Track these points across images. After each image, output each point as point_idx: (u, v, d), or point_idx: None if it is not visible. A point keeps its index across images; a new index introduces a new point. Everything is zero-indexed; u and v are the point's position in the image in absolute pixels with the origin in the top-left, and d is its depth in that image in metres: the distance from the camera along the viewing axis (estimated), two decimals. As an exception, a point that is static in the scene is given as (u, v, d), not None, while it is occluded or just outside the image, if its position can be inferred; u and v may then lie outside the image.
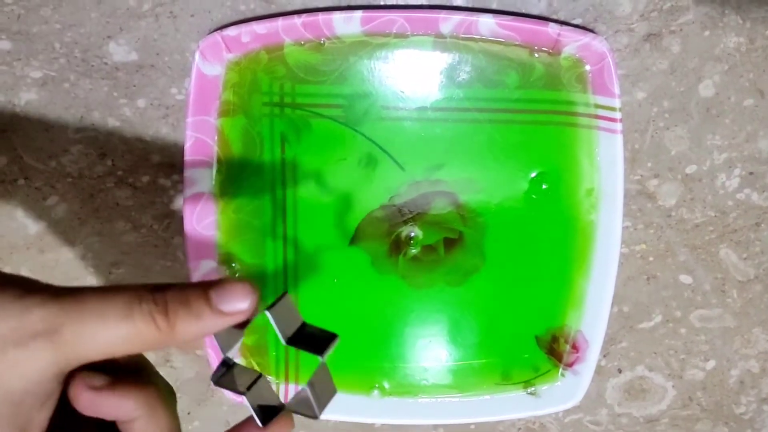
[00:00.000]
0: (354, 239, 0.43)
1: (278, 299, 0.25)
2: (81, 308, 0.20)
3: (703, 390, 0.47)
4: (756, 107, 0.41)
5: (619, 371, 0.47)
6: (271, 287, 0.43)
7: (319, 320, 0.43)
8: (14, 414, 0.20)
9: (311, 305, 0.43)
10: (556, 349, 0.44)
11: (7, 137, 0.42)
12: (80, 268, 0.45)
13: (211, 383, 0.26)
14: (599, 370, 0.47)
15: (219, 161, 0.41)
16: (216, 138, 0.40)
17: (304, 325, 0.27)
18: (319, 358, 0.25)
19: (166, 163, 0.43)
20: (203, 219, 0.41)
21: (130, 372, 0.23)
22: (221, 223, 0.42)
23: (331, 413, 0.44)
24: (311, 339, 0.26)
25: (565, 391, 0.44)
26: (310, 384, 0.26)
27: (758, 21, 0.40)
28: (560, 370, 0.44)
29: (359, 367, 0.44)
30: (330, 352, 0.25)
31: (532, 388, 0.44)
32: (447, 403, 0.45)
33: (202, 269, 0.42)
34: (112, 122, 0.42)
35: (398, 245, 0.43)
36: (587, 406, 0.48)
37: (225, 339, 0.25)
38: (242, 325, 0.24)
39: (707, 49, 0.40)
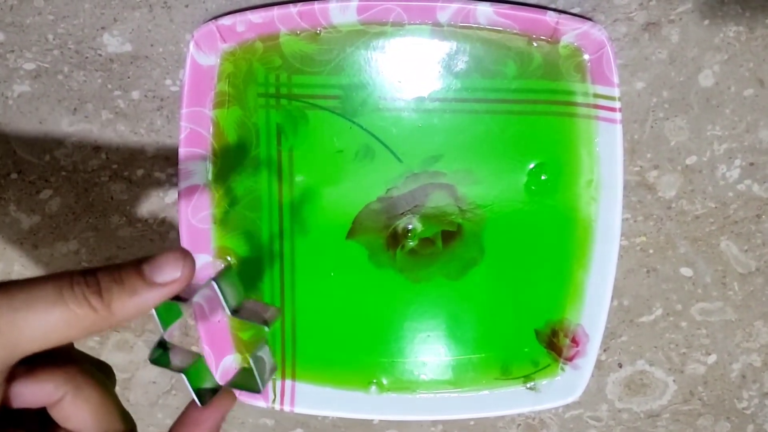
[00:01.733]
0: (351, 232, 0.42)
1: (223, 270, 0.26)
2: (10, 300, 0.19)
3: (705, 384, 0.46)
4: (756, 97, 0.41)
5: (620, 366, 0.46)
6: (268, 281, 0.43)
7: (315, 315, 0.43)
8: None
9: (308, 299, 0.43)
10: (555, 343, 0.43)
11: (0, 130, 0.42)
12: (75, 264, 0.44)
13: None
14: (599, 365, 0.46)
15: (214, 153, 0.40)
16: (211, 129, 0.40)
17: (247, 299, 0.27)
18: (265, 329, 0.26)
19: (161, 156, 0.42)
20: (198, 212, 0.41)
21: (48, 357, 0.22)
22: (217, 216, 0.42)
23: (328, 409, 0.44)
24: (255, 311, 0.26)
25: (565, 386, 0.43)
26: (253, 358, 0.26)
27: (758, 10, 0.39)
28: (560, 364, 0.43)
29: (356, 362, 0.44)
30: (273, 323, 0.26)
31: (532, 383, 0.44)
32: (446, 398, 0.44)
33: (197, 263, 0.41)
34: (106, 115, 0.41)
35: (396, 238, 0.42)
36: (587, 401, 0.47)
37: (164, 316, 0.25)
38: (180, 299, 0.24)
39: (707, 39, 0.40)
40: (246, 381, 0.27)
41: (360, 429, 0.47)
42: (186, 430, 0.25)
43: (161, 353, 0.26)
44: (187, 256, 0.22)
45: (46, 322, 0.20)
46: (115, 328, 0.45)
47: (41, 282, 0.20)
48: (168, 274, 0.22)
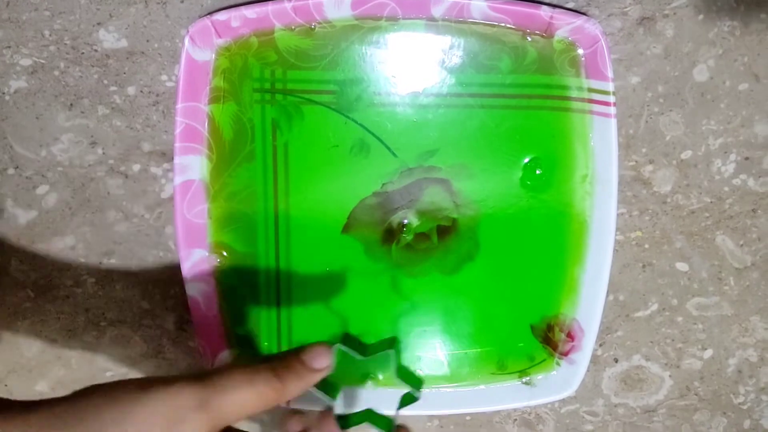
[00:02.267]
0: (346, 227, 0.42)
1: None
2: (219, 383, 0.27)
3: (701, 379, 0.46)
4: (751, 91, 0.41)
5: (616, 361, 0.46)
6: (263, 276, 0.43)
7: (311, 310, 0.43)
8: None
9: (303, 295, 0.43)
10: (551, 338, 0.43)
11: (-3, 126, 0.42)
12: (71, 259, 0.44)
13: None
14: (595, 360, 0.46)
15: (209, 148, 0.41)
16: (206, 125, 0.40)
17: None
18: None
19: (157, 151, 0.42)
20: (194, 207, 0.41)
21: None
22: (212, 211, 0.42)
23: (324, 404, 0.44)
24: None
25: (560, 381, 0.43)
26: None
27: (752, 4, 0.39)
28: (555, 359, 0.43)
29: (352, 357, 0.44)
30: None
31: (528, 378, 0.44)
32: (441, 393, 0.44)
33: (193, 258, 0.42)
34: (102, 110, 0.42)
35: (391, 233, 0.42)
36: (583, 396, 0.47)
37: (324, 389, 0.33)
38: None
39: (701, 33, 0.40)
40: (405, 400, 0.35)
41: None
42: None
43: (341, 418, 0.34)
44: (330, 348, 0.31)
45: (245, 401, 0.27)
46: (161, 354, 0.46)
47: (240, 371, 0.28)
48: (322, 363, 0.30)
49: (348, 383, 0.44)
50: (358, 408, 0.37)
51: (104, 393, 0.26)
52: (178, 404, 0.26)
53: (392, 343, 0.36)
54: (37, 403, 0.27)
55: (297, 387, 0.29)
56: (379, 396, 0.44)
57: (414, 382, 0.36)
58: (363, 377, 0.44)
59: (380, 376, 0.44)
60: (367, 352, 0.35)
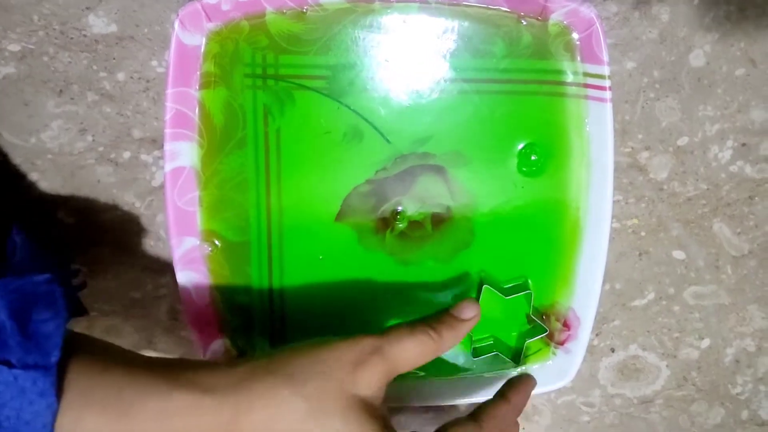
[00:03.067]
0: (339, 215, 0.42)
1: None
2: (388, 334, 0.33)
3: (698, 369, 0.46)
4: (748, 76, 0.40)
5: (612, 351, 0.46)
6: (255, 265, 0.42)
7: (304, 299, 0.42)
8: (373, 413, 0.30)
9: (296, 283, 0.42)
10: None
11: (-15, 113, 0.41)
12: (61, 248, 0.44)
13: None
14: (591, 350, 0.46)
15: (201, 135, 0.40)
16: (197, 111, 0.40)
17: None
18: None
19: (147, 138, 0.42)
20: (185, 194, 0.40)
21: None
22: (203, 199, 0.41)
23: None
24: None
25: (556, 370, 0.43)
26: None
27: (749, -12, 0.39)
28: (551, 348, 0.43)
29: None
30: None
31: (523, 367, 0.43)
32: (435, 383, 0.44)
33: (184, 246, 0.41)
34: (92, 96, 0.41)
35: (385, 221, 0.42)
36: (580, 386, 0.47)
37: None
38: None
39: (697, 18, 0.39)
40: (535, 331, 0.42)
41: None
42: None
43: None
44: (476, 302, 0.37)
45: (409, 349, 0.33)
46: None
47: (401, 326, 0.34)
48: (470, 313, 0.36)
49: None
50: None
51: (299, 347, 0.32)
52: (359, 349, 0.31)
53: (526, 286, 0.41)
54: (237, 361, 0.33)
55: (450, 337, 0.34)
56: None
57: (542, 320, 0.42)
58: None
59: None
60: (508, 293, 0.41)
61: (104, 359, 0.30)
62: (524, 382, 0.39)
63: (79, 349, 0.30)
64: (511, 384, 0.38)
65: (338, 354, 0.31)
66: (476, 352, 0.42)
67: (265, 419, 0.29)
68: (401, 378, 0.37)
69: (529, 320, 0.42)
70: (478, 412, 0.35)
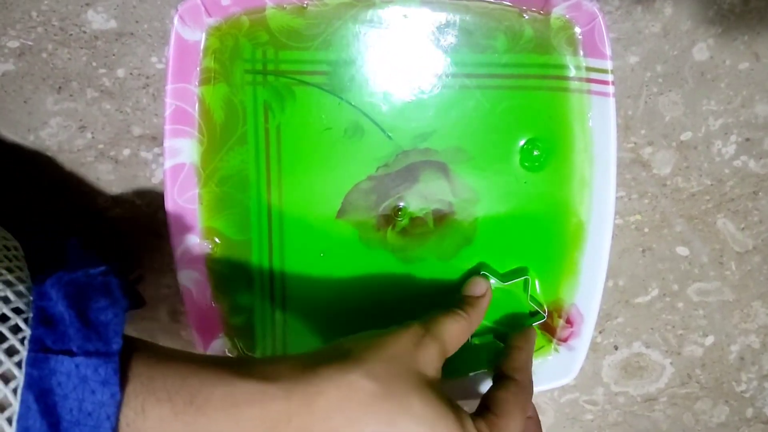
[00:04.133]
0: (341, 212, 0.41)
1: None
2: (430, 319, 0.35)
3: (702, 367, 0.46)
4: (752, 71, 0.40)
5: (616, 348, 0.45)
6: (256, 262, 0.42)
7: (306, 297, 0.42)
8: (438, 391, 0.32)
9: (298, 281, 0.42)
10: (549, 324, 0.43)
11: (-16, 110, 0.41)
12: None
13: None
14: (595, 347, 0.45)
15: (200, 131, 0.40)
16: (197, 107, 0.39)
17: None
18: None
19: (147, 135, 0.42)
20: (185, 192, 0.40)
21: None
22: (204, 196, 0.41)
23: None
24: None
25: (559, 367, 0.42)
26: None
27: (752, -19, 0.39)
28: (554, 345, 0.43)
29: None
30: None
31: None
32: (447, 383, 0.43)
33: (185, 245, 0.41)
34: (91, 93, 0.41)
35: (386, 218, 0.41)
36: (583, 384, 0.46)
37: None
38: None
39: (700, 11, 0.39)
40: (534, 318, 0.42)
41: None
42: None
43: None
44: (482, 278, 0.40)
45: (451, 328, 0.35)
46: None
47: (440, 316, 0.36)
48: (480, 289, 0.39)
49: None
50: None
51: (357, 337, 0.33)
52: (414, 332, 0.33)
53: (525, 271, 0.42)
54: (296, 354, 0.33)
55: (475, 313, 0.37)
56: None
57: (540, 306, 0.42)
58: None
59: None
60: (505, 279, 0.41)
61: (165, 352, 0.30)
62: (522, 355, 0.39)
63: (138, 345, 0.29)
64: (511, 364, 0.38)
65: (398, 338, 0.33)
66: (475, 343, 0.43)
67: (338, 402, 0.29)
68: None
69: (530, 305, 0.43)
70: (503, 368, 0.37)
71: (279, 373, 0.29)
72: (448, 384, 0.42)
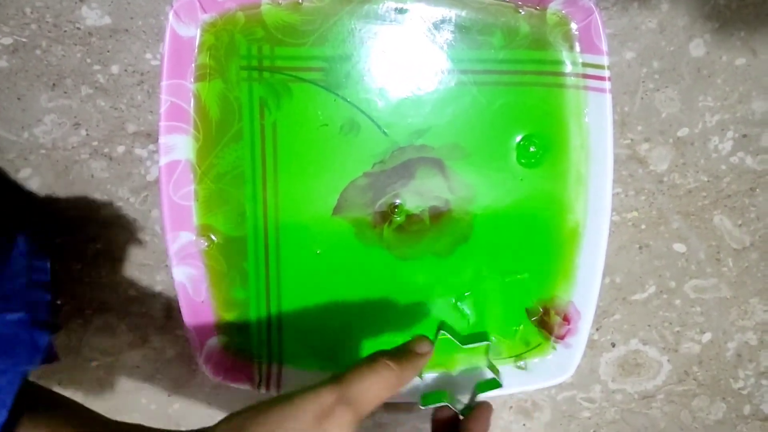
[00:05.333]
0: (337, 209, 0.41)
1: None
2: (349, 377, 0.31)
3: (699, 364, 0.46)
4: (748, 66, 0.40)
5: (613, 345, 0.45)
6: (252, 260, 0.42)
7: (301, 294, 0.42)
8: None
9: (293, 278, 0.42)
10: (546, 322, 0.42)
11: (-22, 107, 0.41)
12: (55, 245, 0.43)
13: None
14: (592, 345, 0.45)
15: (196, 128, 0.40)
16: (192, 103, 0.39)
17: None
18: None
19: (142, 132, 0.41)
20: (180, 188, 0.40)
21: None
22: (199, 193, 0.41)
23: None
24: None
25: (556, 365, 0.42)
26: (489, 363, 0.42)
27: (749, -23, 0.39)
28: (551, 342, 0.43)
29: (343, 342, 0.43)
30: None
31: (523, 362, 0.43)
32: (435, 378, 0.43)
33: (180, 241, 0.40)
34: (86, 90, 0.41)
35: (383, 215, 0.41)
36: (580, 382, 0.46)
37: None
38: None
39: (697, 7, 0.39)
40: (489, 385, 0.41)
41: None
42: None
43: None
44: (429, 339, 0.36)
45: (372, 387, 0.32)
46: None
47: (360, 365, 0.32)
48: (425, 347, 0.36)
49: (335, 368, 0.43)
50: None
51: (258, 408, 0.31)
52: (321, 401, 0.30)
53: (485, 336, 0.42)
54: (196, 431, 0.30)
55: (410, 370, 0.34)
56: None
57: (496, 371, 0.42)
58: (353, 362, 0.43)
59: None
60: (465, 341, 0.41)
61: (59, 420, 0.29)
62: (483, 412, 0.39)
63: (37, 405, 0.29)
64: (471, 416, 0.38)
65: (299, 412, 0.30)
66: (425, 399, 0.40)
67: None
68: None
69: (489, 365, 0.42)
70: None
71: None
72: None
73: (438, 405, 0.39)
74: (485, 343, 0.41)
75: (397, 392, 0.33)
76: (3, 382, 0.27)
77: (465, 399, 0.41)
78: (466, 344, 0.41)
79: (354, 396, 0.31)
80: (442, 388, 0.41)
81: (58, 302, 0.42)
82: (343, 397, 0.31)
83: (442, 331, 0.40)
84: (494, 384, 0.41)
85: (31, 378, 0.28)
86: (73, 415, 0.30)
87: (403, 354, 0.34)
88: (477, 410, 0.39)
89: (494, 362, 0.43)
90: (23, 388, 0.28)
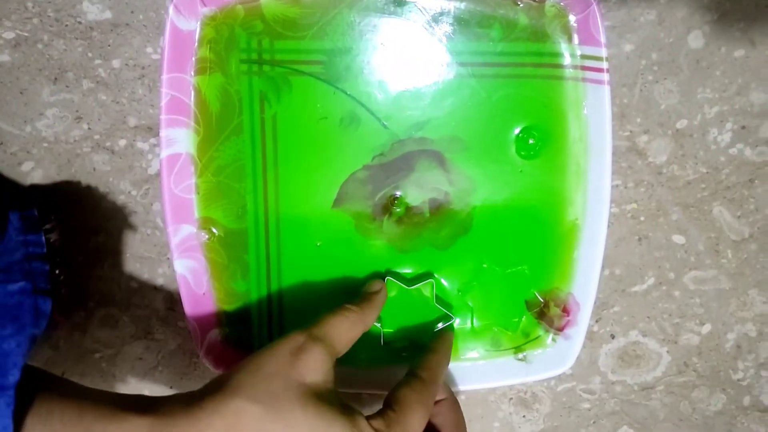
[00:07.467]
0: (337, 201, 0.41)
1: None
2: (315, 323, 0.34)
3: (699, 355, 0.46)
4: (747, 58, 0.40)
5: (612, 337, 0.45)
6: (253, 252, 0.42)
7: (302, 287, 0.42)
8: (328, 397, 0.31)
9: (294, 271, 0.42)
10: (546, 313, 0.43)
11: (-20, 101, 0.41)
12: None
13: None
14: (591, 336, 0.45)
15: (196, 121, 0.40)
16: (193, 96, 0.39)
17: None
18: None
19: (143, 126, 0.42)
20: (181, 181, 0.40)
21: None
22: (200, 186, 0.41)
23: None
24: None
25: (556, 356, 0.43)
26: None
27: (747, -32, 0.39)
28: (551, 334, 0.43)
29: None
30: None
31: (523, 354, 0.43)
32: (384, 371, 0.43)
33: (181, 234, 0.41)
34: (87, 84, 0.41)
35: (383, 207, 0.42)
36: (580, 374, 0.46)
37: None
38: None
39: (696, -1, 0.39)
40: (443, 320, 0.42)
41: (361, 405, 0.47)
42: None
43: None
44: (380, 279, 0.41)
45: (338, 326, 0.35)
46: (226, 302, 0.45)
47: (332, 316, 0.35)
48: (375, 287, 0.39)
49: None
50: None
51: (242, 361, 0.32)
52: (291, 341, 0.32)
53: (429, 276, 0.42)
54: (177, 395, 0.32)
55: (369, 309, 0.37)
56: (371, 375, 0.43)
57: (448, 307, 0.43)
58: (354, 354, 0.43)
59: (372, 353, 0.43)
60: (411, 283, 0.42)
61: (65, 389, 0.30)
62: (444, 332, 0.41)
63: (44, 377, 0.30)
64: (433, 336, 0.41)
65: (274, 353, 0.32)
66: (386, 343, 0.43)
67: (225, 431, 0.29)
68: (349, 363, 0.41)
69: (439, 301, 0.43)
70: (412, 366, 0.37)
71: (171, 410, 0.30)
72: (366, 373, 0.43)
73: (402, 347, 0.42)
74: (429, 281, 0.42)
75: (361, 331, 0.36)
76: (12, 345, 0.28)
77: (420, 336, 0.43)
78: (411, 286, 0.42)
79: (321, 333, 0.33)
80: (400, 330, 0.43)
81: (57, 272, 0.42)
82: (312, 335, 0.33)
83: (388, 278, 0.41)
84: (447, 318, 0.42)
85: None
86: (80, 389, 0.31)
87: (362, 297, 0.38)
88: (440, 332, 0.41)
89: (494, 352, 0.43)
90: (32, 369, 0.29)
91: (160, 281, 0.45)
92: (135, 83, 0.41)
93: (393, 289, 0.41)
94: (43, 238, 0.36)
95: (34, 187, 0.42)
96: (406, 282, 0.42)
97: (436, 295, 0.42)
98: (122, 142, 0.42)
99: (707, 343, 0.45)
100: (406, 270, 0.42)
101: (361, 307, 0.37)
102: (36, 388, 0.29)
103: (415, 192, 0.41)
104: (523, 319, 0.43)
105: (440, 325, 0.42)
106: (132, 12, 0.39)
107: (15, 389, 0.27)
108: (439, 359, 0.38)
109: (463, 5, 0.38)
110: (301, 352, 0.32)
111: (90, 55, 0.40)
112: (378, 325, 0.42)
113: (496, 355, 0.43)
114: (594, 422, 0.47)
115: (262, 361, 0.32)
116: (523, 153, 0.40)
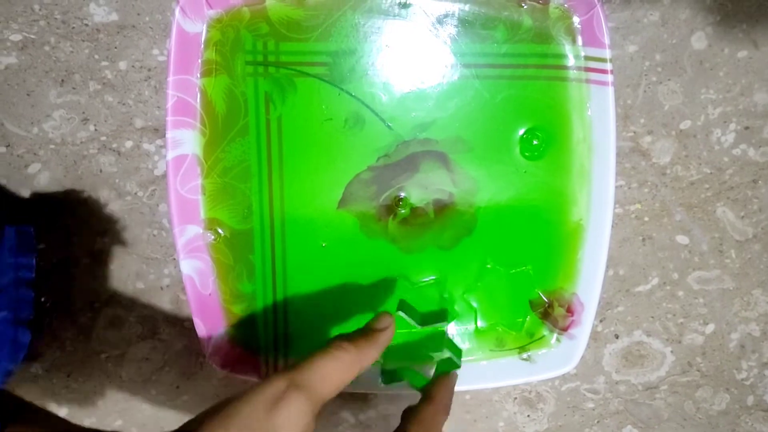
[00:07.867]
0: (342, 202, 0.42)
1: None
2: (301, 364, 0.30)
3: (703, 355, 0.46)
4: (750, 59, 0.40)
5: (616, 337, 0.46)
6: (258, 253, 0.42)
7: (307, 287, 0.42)
8: None
9: (299, 271, 0.42)
10: (550, 313, 0.43)
11: (-12, 103, 0.42)
12: (65, 239, 0.44)
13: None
14: (595, 336, 0.45)
15: (202, 123, 0.40)
16: (199, 98, 0.40)
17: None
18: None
19: (149, 127, 0.42)
20: (187, 182, 0.40)
21: None
22: (206, 187, 0.41)
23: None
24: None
25: (560, 356, 0.43)
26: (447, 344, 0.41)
27: (751, -31, 0.39)
28: (555, 334, 0.43)
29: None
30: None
31: (527, 354, 0.43)
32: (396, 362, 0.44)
33: (187, 235, 0.41)
34: (94, 86, 0.41)
35: (387, 208, 0.42)
36: (584, 373, 0.46)
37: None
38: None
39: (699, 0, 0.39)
40: (446, 366, 0.39)
41: (354, 402, 0.47)
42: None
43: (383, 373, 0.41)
44: (389, 314, 0.36)
45: (327, 371, 0.31)
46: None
47: (323, 353, 0.31)
48: (385, 323, 0.35)
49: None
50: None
51: (215, 407, 0.29)
52: (270, 389, 0.29)
53: (444, 316, 0.41)
54: None
55: (369, 349, 0.33)
56: (376, 375, 0.43)
57: (457, 352, 0.41)
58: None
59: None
60: (423, 321, 0.40)
61: (37, 421, 0.29)
62: (446, 379, 0.38)
63: (19, 411, 0.29)
64: (434, 382, 0.37)
65: (250, 399, 0.29)
66: (385, 377, 0.41)
67: None
68: None
69: (448, 344, 0.41)
70: (404, 416, 0.34)
71: None
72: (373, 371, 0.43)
73: (399, 383, 0.40)
74: (442, 324, 0.40)
75: (356, 373, 0.32)
76: None
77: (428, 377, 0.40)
78: (424, 325, 0.40)
79: (306, 380, 0.30)
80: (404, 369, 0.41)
81: (42, 299, 0.42)
82: (294, 382, 0.30)
83: (399, 312, 0.39)
84: (453, 365, 0.40)
85: (37, 371, 0.29)
86: (53, 426, 0.30)
87: (361, 334, 0.34)
88: (442, 378, 0.37)
89: (498, 352, 0.43)
90: (9, 400, 0.29)
91: (166, 282, 0.45)
92: (141, 85, 0.41)
93: (403, 327, 0.40)
94: (34, 261, 0.35)
95: (37, 195, 0.43)
96: (419, 319, 0.40)
97: (448, 339, 0.41)
98: (129, 144, 0.42)
99: (711, 343, 0.45)
100: (411, 270, 0.43)
101: (359, 347, 0.32)
102: (5, 419, 0.28)
103: (420, 193, 0.41)
104: (527, 319, 0.43)
105: (440, 372, 0.40)
106: (138, 14, 0.40)
107: None
108: (437, 410, 0.35)
109: (467, 7, 0.39)
110: (280, 402, 0.29)
111: (96, 57, 0.41)
112: (380, 360, 0.40)
113: (500, 355, 0.43)
114: (598, 422, 0.47)
115: (236, 409, 0.29)
116: (527, 154, 0.41)
